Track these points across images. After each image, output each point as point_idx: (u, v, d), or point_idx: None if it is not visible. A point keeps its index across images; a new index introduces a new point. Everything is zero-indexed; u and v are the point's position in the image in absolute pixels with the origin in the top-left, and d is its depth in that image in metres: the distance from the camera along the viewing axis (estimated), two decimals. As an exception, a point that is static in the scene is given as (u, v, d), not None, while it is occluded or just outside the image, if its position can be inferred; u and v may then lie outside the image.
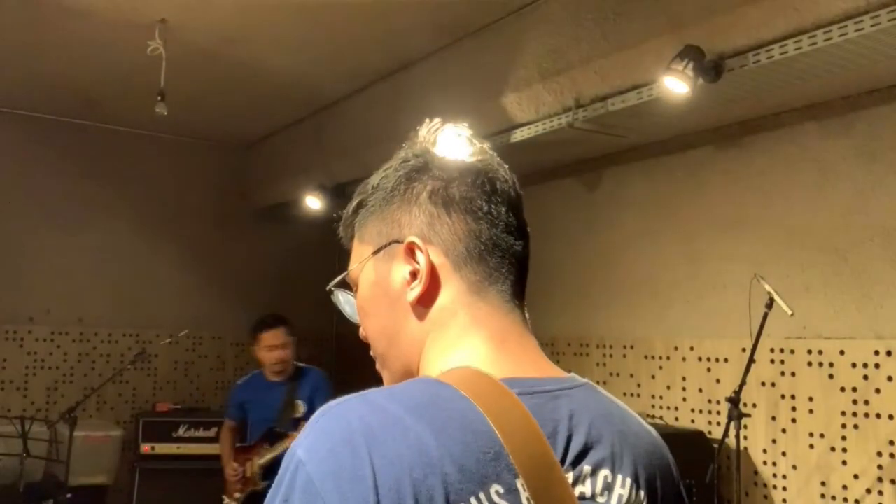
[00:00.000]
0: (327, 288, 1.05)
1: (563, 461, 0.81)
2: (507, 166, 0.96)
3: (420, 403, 0.78)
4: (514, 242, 0.92)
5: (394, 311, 0.93)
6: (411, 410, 0.77)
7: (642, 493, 0.86)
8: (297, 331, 4.40)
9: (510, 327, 0.91)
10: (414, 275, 0.91)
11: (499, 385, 0.82)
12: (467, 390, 0.80)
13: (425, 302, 0.91)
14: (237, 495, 4.07)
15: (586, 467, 0.83)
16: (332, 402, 0.79)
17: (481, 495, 0.74)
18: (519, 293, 0.94)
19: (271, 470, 3.96)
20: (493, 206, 0.91)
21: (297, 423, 3.98)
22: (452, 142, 0.95)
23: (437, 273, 0.90)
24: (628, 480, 0.85)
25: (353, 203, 1.01)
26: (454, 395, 0.79)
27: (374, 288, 0.95)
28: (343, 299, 1.05)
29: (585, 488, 0.82)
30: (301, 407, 4.06)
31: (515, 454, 0.77)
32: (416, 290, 0.90)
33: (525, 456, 0.77)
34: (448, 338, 0.90)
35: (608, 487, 0.83)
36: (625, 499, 0.84)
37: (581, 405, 0.86)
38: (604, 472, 0.84)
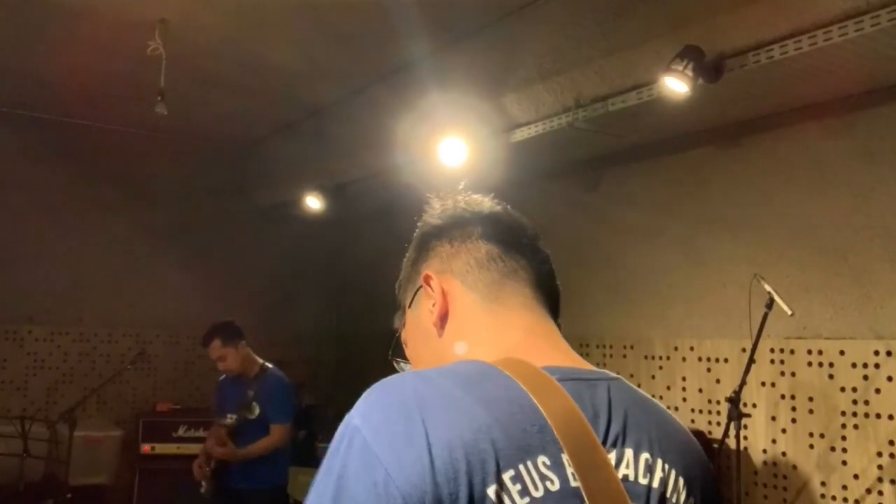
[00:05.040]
0: (389, 358, 1.16)
1: (604, 443, 0.84)
2: (502, 203, 1.11)
3: (469, 379, 0.83)
4: (514, 252, 1.03)
5: (427, 339, 1.02)
6: (461, 385, 0.81)
7: (681, 480, 0.88)
8: (298, 330, 4.41)
9: (534, 324, 0.99)
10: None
11: (538, 370, 0.86)
12: (510, 371, 0.84)
13: (445, 319, 1.01)
14: (204, 482, 4.11)
15: (628, 450, 0.85)
16: (387, 378, 0.84)
17: (529, 464, 0.77)
18: (540, 298, 1.02)
19: (221, 461, 4.05)
20: (485, 227, 1.04)
21: (248, 423, 4.02)
22: (444, 205, 1.09)
23: (451, 292, 1.01)
24: (667, 465, 0.87)
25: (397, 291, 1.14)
26: (499, 374, 0.84)
27: (414, 332, 1.07)
28: (406, 368, 1.14)
29: (628, 470, 0.84)
30: (255, 409, 4.08)
31: (559, 430, 0.79)
32: (435, 311, 1.01)
33: (568, 433, 0.80)
34: (476, 337, 0.97)
35: (649, 470, 0.86)
36: (665, 482, 0.86)
37: (618, 394, 0.90)
38: (644, 455, 0.86)
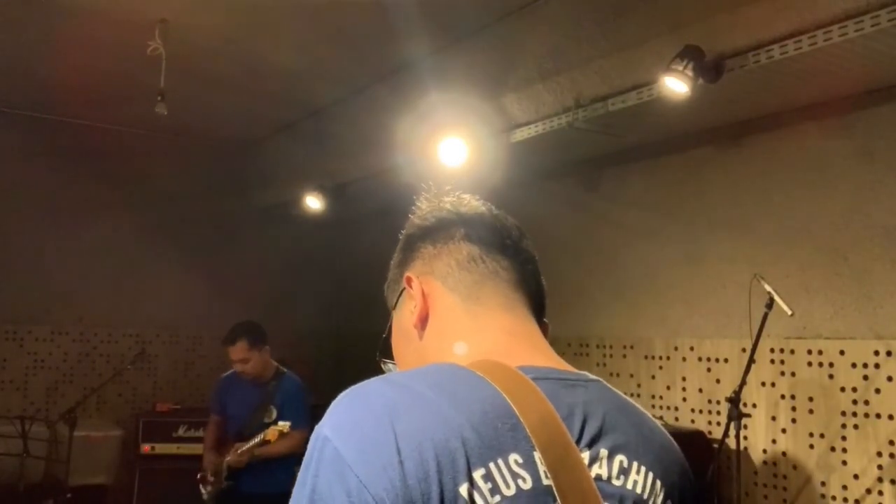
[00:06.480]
0: (377, 359, 1.15)
1: (578, 442, 0.83)
2: (487, 203, 1.11)
3: (439, 381, 0.83)
4: (496, 253, 1.02)
5: (409, 341, 1.02)
6: (431, 387, 0.81)
7: (658, 484, 0.87)
8: (298, 330, 4.40)
9: (515, 325, 0.98)
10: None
11: (514, 370, 0.86)
12: (483, 372, 0.84)
13: (426, 321, 1.01)
14: (209, 488, 4.08)
15: (602, 450, 0.85)
16: (356, 385, 0.83)
17: (500, 462, 0.77)
18: (522, 299, 1.01)
19: (238, 470, 3.97)
20: (468, 228, 1.04)
21: (266, 427, 3.96)
22: (430, 206, 1.10)
23: (432, 294, 1.01)
24: (643, 468, 0.87)
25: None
26: (471, 375, 0.84)
27: (397, 333, 1.07)
28: (393, 368, 1.15)
29: (602, 470, 0.84)
30: (273, 412, 4.04)
31: (532, 429, 0.79)
32: (416, 312, 1.01)
33: (542, 432, 0.80)
34: (455, 339, 0.96)
35: (624, 472, 0.85)
36: (640, 485, 0.85)
37: (596, 396, 0.90)
38: (619, 457, 0.85)
